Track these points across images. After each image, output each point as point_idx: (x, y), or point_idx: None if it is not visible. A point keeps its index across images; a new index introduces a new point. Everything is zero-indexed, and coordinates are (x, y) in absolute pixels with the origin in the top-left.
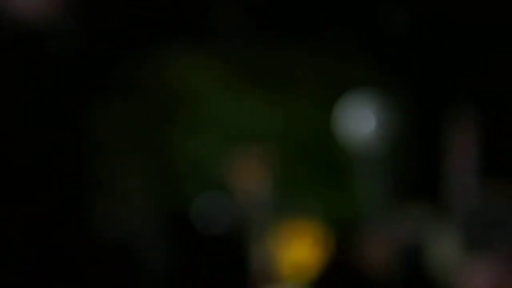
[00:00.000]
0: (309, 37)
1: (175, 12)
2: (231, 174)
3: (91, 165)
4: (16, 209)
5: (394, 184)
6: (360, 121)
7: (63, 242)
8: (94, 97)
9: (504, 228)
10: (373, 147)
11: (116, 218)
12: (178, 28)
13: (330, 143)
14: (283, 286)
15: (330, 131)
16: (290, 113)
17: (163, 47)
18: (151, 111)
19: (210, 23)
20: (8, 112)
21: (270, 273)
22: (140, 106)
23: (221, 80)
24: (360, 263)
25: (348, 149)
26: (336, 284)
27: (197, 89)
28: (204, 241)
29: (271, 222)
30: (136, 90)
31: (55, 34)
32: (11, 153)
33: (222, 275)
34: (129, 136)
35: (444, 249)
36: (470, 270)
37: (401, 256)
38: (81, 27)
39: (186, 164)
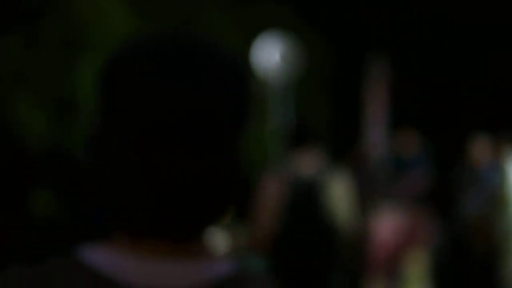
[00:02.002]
0: None
1: None
2: None
3: None
4: None
5: (301, 122)
6: (273, 58)
7: None
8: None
9: (409, 177)
10: (282, 81)
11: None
12: None
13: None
14: None
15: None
16: None
17: None
18: (56, 38)
19: None
20: None
21: None
22: (47, 33)
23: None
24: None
25: (262, 81)
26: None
27: (100, 16)
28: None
29: None
30: (43, 17)
31: None
32: None
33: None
34: (30, 64)
35: (343, 193)
36: (376, 217)
37: (297, 193)
38: None
39: (85, 95)
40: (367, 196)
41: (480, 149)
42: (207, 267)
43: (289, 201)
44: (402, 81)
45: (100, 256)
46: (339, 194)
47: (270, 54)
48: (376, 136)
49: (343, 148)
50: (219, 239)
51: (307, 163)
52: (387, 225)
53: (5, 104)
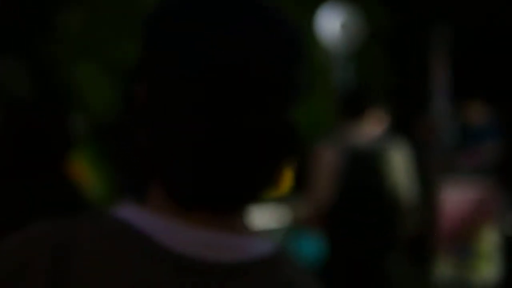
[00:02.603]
0: None
1: None
2: None
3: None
4: None
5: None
6: (335, 27)
7: None
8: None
9: (478, 148)
10: (344, 50)
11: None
12: None
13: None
14: None
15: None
16: None
17: None
18: (118, 4)
19: None
20: None
21: None
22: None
23: None
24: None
25: (325, 50)
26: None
27: None
28: None
29: None
30: None
31: None
32: None
33: None
34: (92, 33)
35: (403, 164)
36: (444, 189)
37: (353, 163)
38: None
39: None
40: (435, 168)
41: None
42: (248, 243)
43: (345, 171)
44: (470, 50)
45: (137, 216)
46: (399, 165)
47: (332, 23)
48: (442, 106)
49: (405, 117)
50: (278, 213)
51: (366, 131)
52: (455, 198)
53: (69, 73)
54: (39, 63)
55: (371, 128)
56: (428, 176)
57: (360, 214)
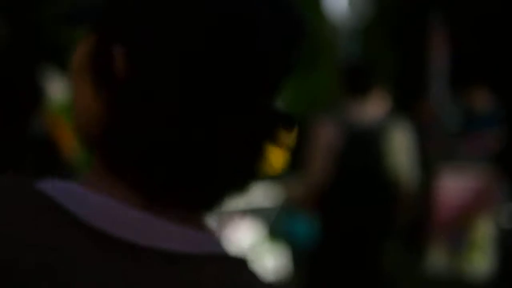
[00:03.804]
0: None
1: None
2: None
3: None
4: None
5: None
6: (342, 5)
7: None
8: None
9: (480, 136)
10: (350, 28)
11: None
12: None
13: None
14: None
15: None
16: None
17: None
18: None
19: None
20: None
21: None
22: None
23: None
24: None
25: (331, 25)
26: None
27: None
28: None
29: None
30: None
31: None
32: None
33: None
34: None
35: (404, 146)
36: (442, 176)
37: (352, 142)
38: None
39: None
40: (434, 153)
41: None
42: (199, 239)
43: (343, 150)
44: (473, 36)
45: (76, 195)
46: (400, 147)
47: (340, 1)
48: (441, 91)
49: (405, 100)
50: (271, 192)
51: (367, 110)
52: (453, 185)
53: (54, 37)
54: (23, 25)
55: (373, 107)
56: (427, 161)
57: (356, 196)
